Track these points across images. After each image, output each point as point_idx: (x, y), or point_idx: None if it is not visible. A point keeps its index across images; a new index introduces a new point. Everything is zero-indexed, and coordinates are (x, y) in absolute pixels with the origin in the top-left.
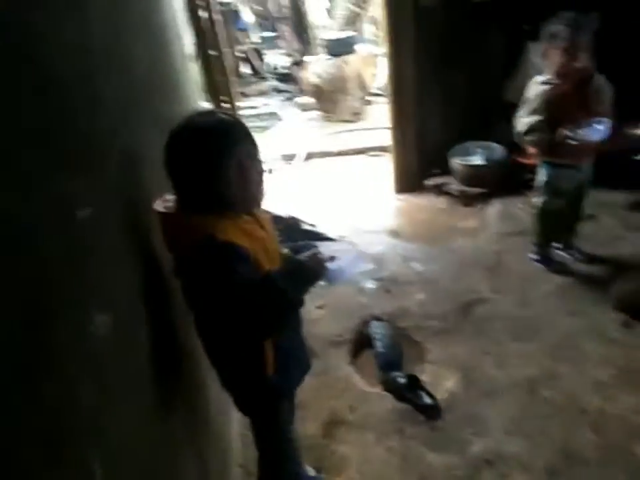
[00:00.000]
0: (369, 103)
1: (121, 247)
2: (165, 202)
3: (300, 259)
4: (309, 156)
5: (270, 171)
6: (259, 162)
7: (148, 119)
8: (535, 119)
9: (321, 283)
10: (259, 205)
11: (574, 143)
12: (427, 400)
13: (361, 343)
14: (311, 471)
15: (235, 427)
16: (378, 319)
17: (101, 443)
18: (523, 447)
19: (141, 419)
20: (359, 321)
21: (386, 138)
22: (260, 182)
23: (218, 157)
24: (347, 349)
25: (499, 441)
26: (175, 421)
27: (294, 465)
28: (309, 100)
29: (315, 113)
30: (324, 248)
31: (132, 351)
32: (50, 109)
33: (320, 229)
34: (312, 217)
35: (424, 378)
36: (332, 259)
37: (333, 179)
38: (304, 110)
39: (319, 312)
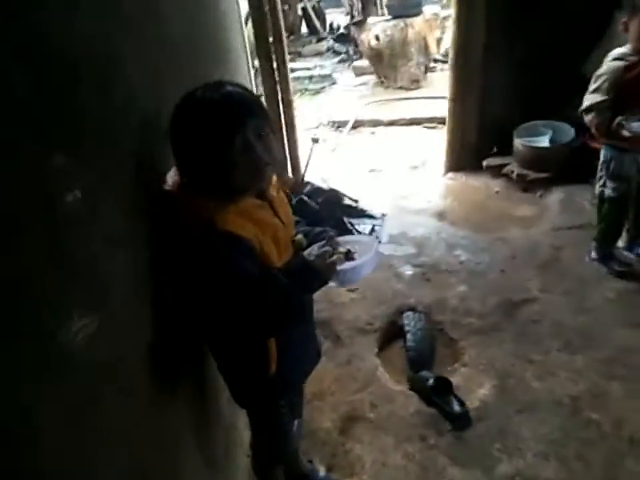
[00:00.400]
0: (430, 69)
1: (121, 235)
2: (172, 177)
3: (308, 259)
4: (359, 124)
5: (316, 141)
6: (271, 139)
7: (187, 83)
8: (597, 98)
9: (331, 284)
10: (267, 187)
11: (627, 134)
12: (457, 407)
13: (391, 333)
14: (322, 470)
15: (243, 417)
16: (412, 309)
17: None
18: (557, 473)
19: (130, 419)
20: (392, 309)
21: (445, 109)
22: (270, 162)
23: (219, 135)
24: (375, 339)
25: (530, 463)
26: (176, 414)
27: (288, 458)
28: (365, 63)
29: (371, 78)
30: (343, 239)
31: (122, 351)
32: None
33: (362, 204)
34: (355, 191)
35: (455, 381)
36: (348, 255)
37: (383, 151)
38: (359, 74)
39: (350, 295)
